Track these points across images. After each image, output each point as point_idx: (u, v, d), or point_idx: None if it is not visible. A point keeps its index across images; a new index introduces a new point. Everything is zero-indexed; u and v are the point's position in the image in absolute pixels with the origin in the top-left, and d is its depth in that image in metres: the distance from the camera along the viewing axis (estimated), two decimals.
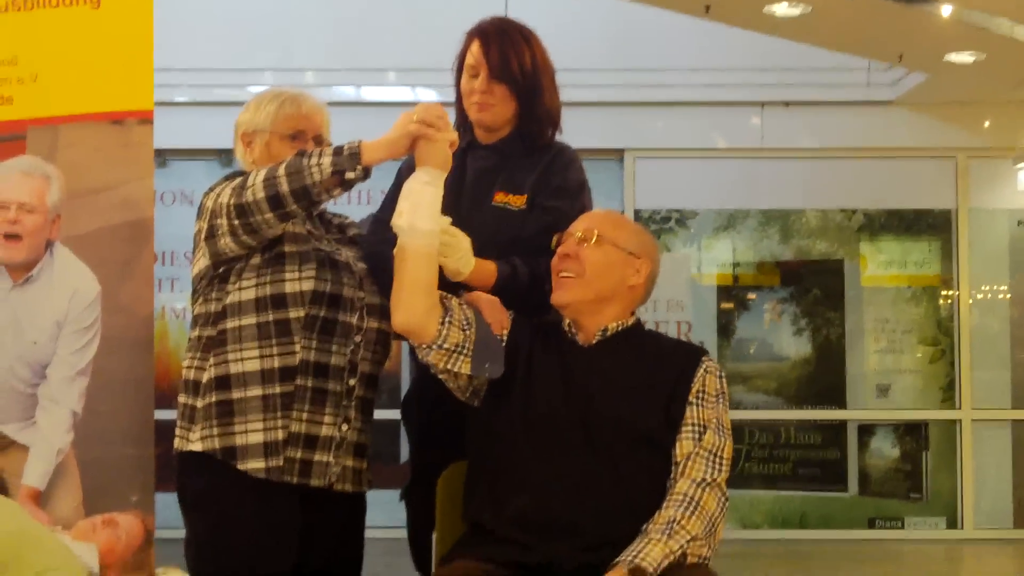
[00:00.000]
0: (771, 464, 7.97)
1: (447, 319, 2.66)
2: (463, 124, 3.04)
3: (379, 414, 2.97)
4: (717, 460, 2.63)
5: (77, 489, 3.44)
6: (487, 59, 2.94)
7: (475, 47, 2.97)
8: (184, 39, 7.07)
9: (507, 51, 2.95)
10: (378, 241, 2.86)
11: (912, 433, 8.02)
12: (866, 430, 8.05)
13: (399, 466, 6.60)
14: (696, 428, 2.64)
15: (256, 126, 2.95)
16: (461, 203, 2.90)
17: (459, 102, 3.04)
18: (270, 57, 7.77)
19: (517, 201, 2.94)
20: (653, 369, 2.69)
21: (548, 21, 6.67)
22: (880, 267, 8.10)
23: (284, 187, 2.61)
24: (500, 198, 2.95)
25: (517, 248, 2.86)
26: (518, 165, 2.97)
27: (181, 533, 2.86)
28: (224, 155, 7.63)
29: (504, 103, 2.97)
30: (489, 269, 2.80)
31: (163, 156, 7.63)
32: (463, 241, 2.74)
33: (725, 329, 8.08)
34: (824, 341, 8.07)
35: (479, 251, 2.78)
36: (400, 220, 2.60)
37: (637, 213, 7.86)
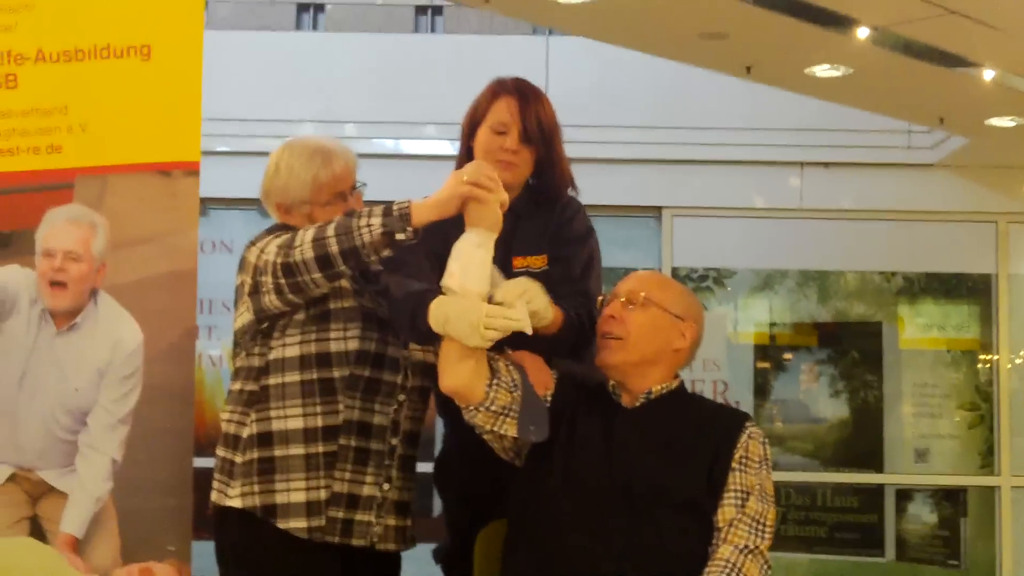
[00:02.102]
0: (807, 527, 7.86)
1: (495, 381, 2.65)
2: None
3: None
4: (760, 527, 2.61)
5: (115, 537, 3.44)
6: (524, 120, 2.90)
7: (511, 105, 2.92)
8: (225, 89, 7.11)
9: (540, 113, 2.92)
10: (394, 272, 2.79)
11: (950, 499, 7.91)
12: (904, 495, 7.93)
13: (432, 519, 6.56)
14: (739, 494, 2.61)
15: (293, 197, 2.89)
16: None
17: (466, 156, 2.96)
18: (311, 108, 7.81)
19: (538, 262, 2.92)
20: (696, 433, 2.66)
21: (588, 78, 6.76)
22: (919, 330, 8.03)
23: (334, 248, 2.58)
24: (520, 263, 2.91)
25: None
26: (530, 225, 2.94)
27: None
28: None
29: (526, 164, 2.94)
30: (560, 317, 2.73)
31: (204, 205, 7.64)
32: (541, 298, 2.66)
33: (762, 389, 8.02)
34: (861, 404, 7.98)
35: None
36: (451, 282, 2.57)
37: (675, 271, 7.83)
